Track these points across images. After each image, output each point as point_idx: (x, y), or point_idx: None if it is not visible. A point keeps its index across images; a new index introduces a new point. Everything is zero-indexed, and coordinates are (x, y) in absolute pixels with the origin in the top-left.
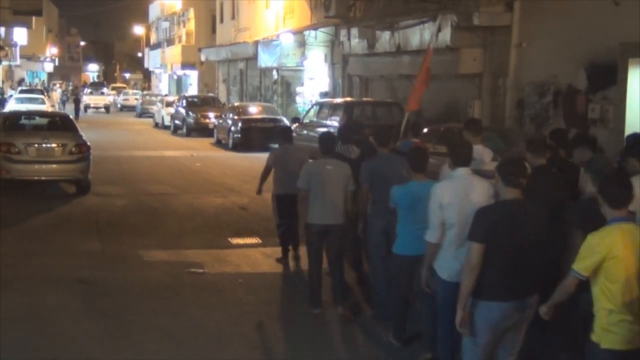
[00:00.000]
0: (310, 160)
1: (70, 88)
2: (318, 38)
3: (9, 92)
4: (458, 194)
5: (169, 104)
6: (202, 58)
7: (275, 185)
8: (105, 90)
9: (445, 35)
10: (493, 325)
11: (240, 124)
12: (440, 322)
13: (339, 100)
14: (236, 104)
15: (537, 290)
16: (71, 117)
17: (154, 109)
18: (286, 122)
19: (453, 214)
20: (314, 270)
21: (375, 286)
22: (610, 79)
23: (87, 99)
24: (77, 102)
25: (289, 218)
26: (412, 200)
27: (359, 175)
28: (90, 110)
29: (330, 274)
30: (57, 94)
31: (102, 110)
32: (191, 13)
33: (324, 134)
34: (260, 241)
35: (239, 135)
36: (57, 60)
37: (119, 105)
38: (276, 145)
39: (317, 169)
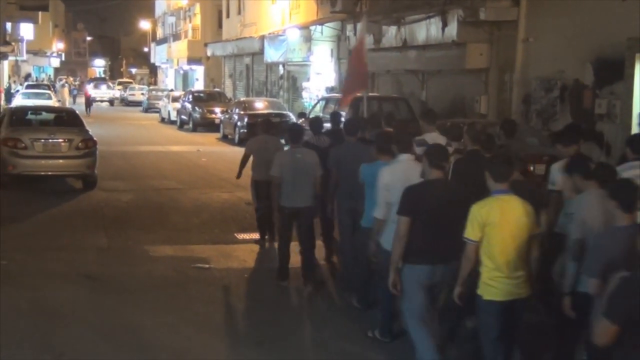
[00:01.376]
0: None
1: (77, 83)
2: (324, 33)
3: (15, 87)
4: (400, 176)
5: (175, 99)
6: (209, 53)
7: (253, 172)
8: (107, 85)
9: (452, 30)
10: (420, 285)
11: (246, 119)
12: (384, 288)
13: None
14: (242, 99)
15: (456, 258)
16: (82, 111)
17: (160, 104)
18: (292, 117)
19: (395, 194)
20: (283, 247)
21: (343, 260)
22: (617, 74)
23: (92, 92)
24: (88, 98)
25: (266, 201)
26: (376, 177)
27: (327, 161)
28: (95, 103)
29: (300, 252)
30: (66, 89)
31: (107, 102)
32: (197, 8)
33: (292, 126)
34: (266, 236)
35: (245, 131)
36: (63, 55)
37: (125, 100)
38: (282, 141)
39: (288, 157)
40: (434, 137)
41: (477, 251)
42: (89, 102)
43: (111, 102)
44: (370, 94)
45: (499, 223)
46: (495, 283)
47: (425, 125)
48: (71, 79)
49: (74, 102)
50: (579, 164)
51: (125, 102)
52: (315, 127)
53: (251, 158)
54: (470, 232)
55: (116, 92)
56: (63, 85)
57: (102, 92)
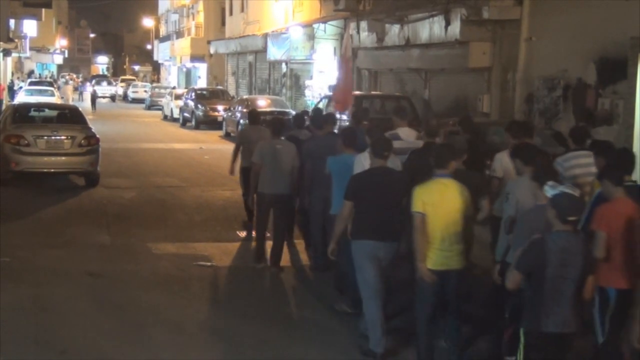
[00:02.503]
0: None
1: (80, 80)
2: (327, 31)
3: (17, 83)
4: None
5: (178, 97)
6: (211, 51)
7: (242, 160)
8: (108, 81)
9: (455, 29)
10: (368, 258)
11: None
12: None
13: None
14: (245, 96)
15: (397, 237)
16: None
17: (163, 101)
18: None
19: None
20: (260, 231)
21: (314, 243)
22: (620, 74)
23: (95, 89)
24: (94, 93)
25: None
26: (342, 168)
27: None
28: (97, 99)
29: (273, 237)
30: (70, 87)
31: (108, 98)
32: (200, 5)
33: (274, 119)
34: (268, 234)
35: None
36: (66, 52)
37: (128, 98)
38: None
39: (268, 147)
40: (405, 131)
41: (424, 221)
42: (94, 98)
43: (112, 98)
44: (373, 92)
45: (437, 203)
46: (433, 255)
47: (398, 120)
48: (74, 76)
49: (81, 99)
50: (520, 151)
51: (128, 99)
52: (297, 122)
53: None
54: (416, 206)
55: (117, 89)
56: (67, 82)
57: (104, 89)
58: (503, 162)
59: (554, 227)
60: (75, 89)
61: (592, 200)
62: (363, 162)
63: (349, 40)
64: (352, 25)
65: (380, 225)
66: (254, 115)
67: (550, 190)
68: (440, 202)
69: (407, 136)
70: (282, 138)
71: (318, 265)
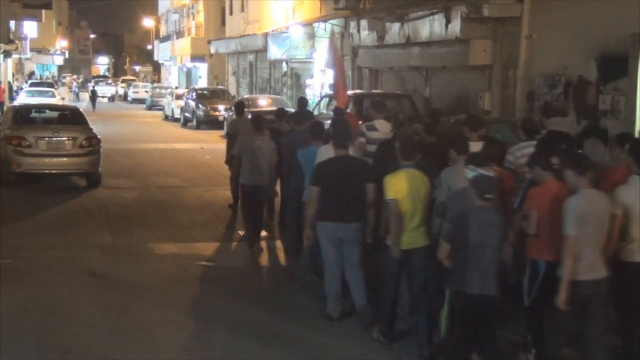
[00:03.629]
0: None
1: (80, 80)
2: (328, 30)
3: (17, 84)
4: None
5: (178, 97)
6: (212, 50)
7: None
8: (107, 82)
9: (455, 27)
10: (329, 238)
11: (249, 117)
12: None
13: (348, 92)
14: (246, 96)
15: (359, 219)
16: (87, 108)
17: (164, 101)
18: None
19: None
20: (247, 219)
21: (289, 229)
22: (621, 70)
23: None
24: (93, 93)
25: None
26: (311, 159)
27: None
28: (97, 98)
29: (250, 220)
30: (66, 87)
31: (107, 98)
32: (200, 5)
33: (255, 116)
34: (269, 234)
35: None
36: (67, 53)
37: (129, 98)
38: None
39: (248, 142)
40: (381, 123)
41: (398, 207)
42: (94, 98)
43: (112, 98)
44: (374, 90)
45: (405, 190)
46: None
47: (375, 113)
48: (75, 76)
49: (78, 99)
50: (455, 142)
51: (128, 100)
52: (279, 115)
53: None
54: (389, 194)
55: (118, 89)
56: (63, 84)
57: (103, 89)
58: None
59: (474, 204)
60: (70, 89)
61: (525, 184)
62: (324, 153)
63: (337, 41)
64: (337, 30)
65: (341, 208)
66: (238, 105)
67: (470, 172)
68: (408, 189)
69: (382, 127)
70: (266, 132)
71: (291, 249)
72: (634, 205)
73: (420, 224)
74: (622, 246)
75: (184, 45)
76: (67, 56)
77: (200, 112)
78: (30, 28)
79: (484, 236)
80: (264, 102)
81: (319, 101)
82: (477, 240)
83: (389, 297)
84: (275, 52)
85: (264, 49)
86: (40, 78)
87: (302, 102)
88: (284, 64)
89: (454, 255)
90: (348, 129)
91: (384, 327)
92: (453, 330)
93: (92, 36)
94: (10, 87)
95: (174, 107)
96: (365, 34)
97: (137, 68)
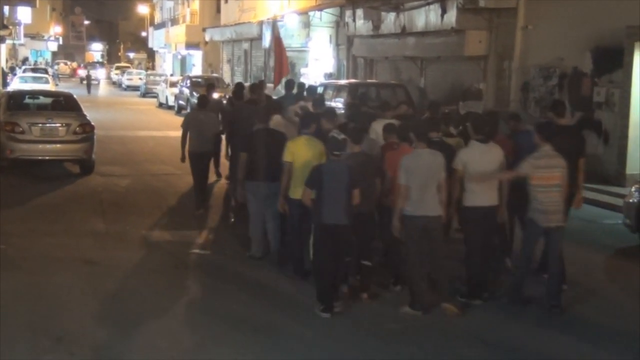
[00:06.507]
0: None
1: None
2: (323, 19)
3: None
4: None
5: (173, 84)
6: (207, 38)
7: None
8: (96, 66)
9: (451, 17)
10: (253, 195)
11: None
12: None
13: (343, 81)
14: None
15: (277, 179)
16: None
17: (158, 88)
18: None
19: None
20: (196, 183)
21: (233, 183)
22: (616, 62)
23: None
24: (88, 78)
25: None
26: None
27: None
28: (92, 83)
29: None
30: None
31: (97, 81)
32: None
33: (200, 96)
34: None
35: None
36: (61, 39)
37: (123, 85)
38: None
39: (193, 116)
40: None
41: (291, 169)
42: (89, 82)
43: (98, 80)
44: (369, 80)
45: (300, 152)
46: (295, 189)
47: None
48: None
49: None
50: (387, 127)
51: (122, 86)
52: (236, 93)
53: None
54: (285, 157)
55: (110, 74)
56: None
57: (96, 73)
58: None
59: (328, 158)
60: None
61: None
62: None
63: (278, 25)
64: (333, 18)
65: (262, 170)
66: (209, 88)
67: (331, 135)
68: (302, 152)
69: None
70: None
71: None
72: (470, 163)
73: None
74: (462, 194)
75: (178, 33)
76: (61, 42)
77: (194, 100)
78: (24, 14)
79: (334, 182)
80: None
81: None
82: (329, 184)
83: (293, 238)
84: (270, 40)
85: (259, 37)
86: (35, 64)
87: (239, 88)
88: None
89: (316, 196)
90: (275, 105)
91: (296, 265)
92: (317, 252)
93: (86, 22)
94: (4, 73)
95: (168, 94)
96: (360, 23)
97: (132, 55)
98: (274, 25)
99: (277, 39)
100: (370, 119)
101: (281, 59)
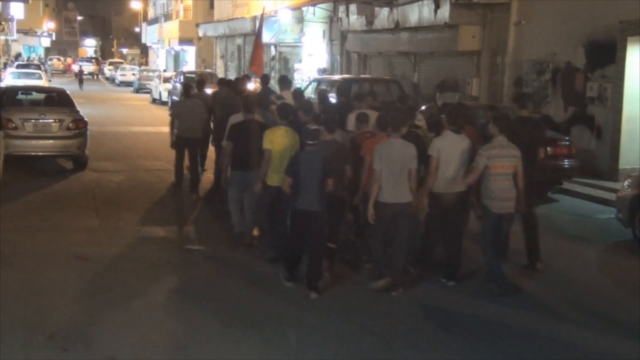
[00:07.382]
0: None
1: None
2: (316, 14)
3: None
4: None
5: (166, 80)
6: (200, 34)
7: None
8: (87, 61)
9: (444, 12)
10: (237, 183)
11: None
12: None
13: (337, 77)
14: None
15: (256, 167)
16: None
17: (152, 84)
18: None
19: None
20: (178, 167)
21: (217, 170)
22: (609, 58)
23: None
24: (80, 73)
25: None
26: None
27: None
28: (84, 78)
29: (187, 168)
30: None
31: (89, 76)
32: None
33: (184, 85)
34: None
35: None
36: (54, 35)
37: (116, 81)
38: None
39: (181, 104)
40: (287, 94)
41: (270, 156)
42: (81, 77)
43: (92, 75)
44: (362, 75)
45: (278, 141)
46: (273, 176)
47: (281, 86)
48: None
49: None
50: (359, 117)
51: (116, 82)
52: (199, 85)
53: None
54: (265, 145)
55: (103, 69)
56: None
57: (87, 68)
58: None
59: (304, 148)
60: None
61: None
62: (236, 117)
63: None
64: (327, 13)
65: (244, 160)
66: (186, 88)
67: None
68: (278, 140)
69: (287, 97)
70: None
71: (214, 196)
72: (442, 150)
73: (282, 171)
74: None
75: (172, 28)
76: (54, 38)
77: None
78: (17, 9)
79: (308, 170)
80: (252, 86)
81: (307, 85)
82: (304, 173)
83: (275, 221)
84: (263, 35)
85: (252, 33)
86: (28, 60)
87: (201, 81)
88: (272, 48)
89: (293, 183)
90: (253, 101)
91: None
92: (290, 233)
93: (79, 18)
94: None
95: (162, 90)
96: (354, 19)
97: (125, 51)
98: (261, 18)
99: (258, 32)
100: (346, 109)
101: (256, 50)
